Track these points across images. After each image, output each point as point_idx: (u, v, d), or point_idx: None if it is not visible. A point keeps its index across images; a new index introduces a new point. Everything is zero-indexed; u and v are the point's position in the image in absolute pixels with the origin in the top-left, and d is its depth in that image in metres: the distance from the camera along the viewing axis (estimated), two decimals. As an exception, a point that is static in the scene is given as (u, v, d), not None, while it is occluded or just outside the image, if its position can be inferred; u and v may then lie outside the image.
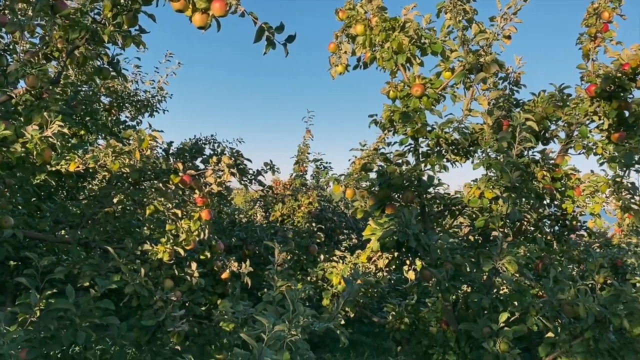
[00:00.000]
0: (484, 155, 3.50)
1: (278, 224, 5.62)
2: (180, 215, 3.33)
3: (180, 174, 3.32)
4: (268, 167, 4.28)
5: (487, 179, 3.39)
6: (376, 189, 3.54)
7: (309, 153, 6.96)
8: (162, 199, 3.33)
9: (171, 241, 3.28)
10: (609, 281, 3.99)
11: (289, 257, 4.76)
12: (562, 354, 3.03)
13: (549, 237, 4.30)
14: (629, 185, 3.53)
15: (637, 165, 3.40)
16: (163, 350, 3.24)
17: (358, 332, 10.34)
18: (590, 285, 3.09)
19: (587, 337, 2.92)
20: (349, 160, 3.98)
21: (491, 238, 4.10)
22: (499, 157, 3.29)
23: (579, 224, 4.36)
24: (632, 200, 3.52)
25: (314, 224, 5.12)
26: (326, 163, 6.61)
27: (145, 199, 3.43)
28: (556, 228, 4.39)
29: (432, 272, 3.06)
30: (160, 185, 3.32)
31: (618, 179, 3.52)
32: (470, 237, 4.43)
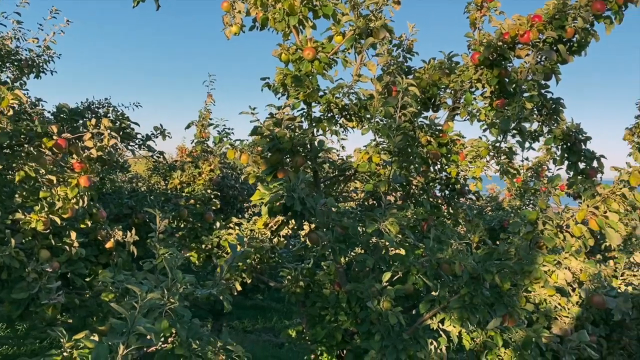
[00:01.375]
0: (373, 120, 3.55)
1: (176, 192, 5.44)
2: (55, 181, 3.11)
3: (55, 137, 3.09)
4: (158, 131, 4.10)
5: (375, 144, 3.46)
6: (268, 154, 3.50)
7: (210, 119, 6.74)
8: (34, 164, 3.09)
9: (46, 209, 3.07)
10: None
11: (182, 225, 4.64)
12: (440, 310, 3.20)
13: (439, 201, 4.50)
14: (507, 150, 3.73)
15: (514, 131, 3.60)
16: (40, 324, 3.06)
17: (269, 298, 10.46)
18: (467, 245, 3.26)
19: (463, 293, 3.09)
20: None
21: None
22: (386, 123, 3.35)
23: (467, 187, 4.59)
24: (510, 165, 3.74)
25: (209, 191, 5.01)
26: (229, 129, 6.43)
27: (14, 164, 3.16)
28: (446, 192, 4.60)
29: (319, 234, 3.09)
30: (32, 149, 3.07)
31: (497, 144, 3.71)
32: (367, 202, 4.54)
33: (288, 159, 3.48)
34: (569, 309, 3.59)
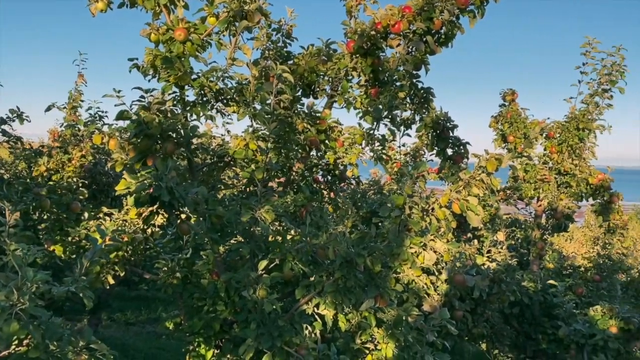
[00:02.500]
0: (250, 106, 3.48)
1: (41, 180, 5.00)
2: None
3: None
4: (15, 115, 3.71)
5: (252, 130, 3.39)
6: (137, 140, 3.31)
7: (82, 100, 6.27)
8: None
9: None
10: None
11: (45, 217, 4.28)
12: (316, 294, 3.24)
13: (321, 186, 4.55)
14: (380, 137, 3.85)
15: (386, 119, 3.71)
16: None
17: (154, 288, 10.06)
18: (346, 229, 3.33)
19: (337, 277, 3.15)
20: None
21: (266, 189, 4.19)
22: (262, 108, 3.30)
23: (347, 172, 4.70)
24: (383, 151, 3.86)
25: (75, 179, 4.66)
26: (103, 112, 6.04)
27: None
28: (328, 177, 4.66)
29: (190, 225, 2.99)
30: None
31: (371, 132, 3.81)
32: (248, 189, 4.47)
33: (159, 146, 3.31)
34: (437, 286, 3.79)
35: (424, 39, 3.68)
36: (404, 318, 3.39)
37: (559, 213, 5.81)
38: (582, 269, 6.44)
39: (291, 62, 4.19)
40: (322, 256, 3.20)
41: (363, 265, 3.17)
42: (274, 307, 3.10)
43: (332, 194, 4.63)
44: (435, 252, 3.27)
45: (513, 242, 6.69)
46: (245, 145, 3.40)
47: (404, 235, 3.17)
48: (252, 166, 3.44)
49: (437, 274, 3.39)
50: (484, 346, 6.65)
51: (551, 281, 5.11)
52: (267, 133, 3.20)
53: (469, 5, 3.66)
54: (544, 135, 6.02)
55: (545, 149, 6.07)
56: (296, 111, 3.67)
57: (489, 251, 5.62)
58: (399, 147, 6.33)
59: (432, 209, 3.25)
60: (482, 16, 3.72)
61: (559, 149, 5.90)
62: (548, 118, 6.15)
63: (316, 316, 3.29)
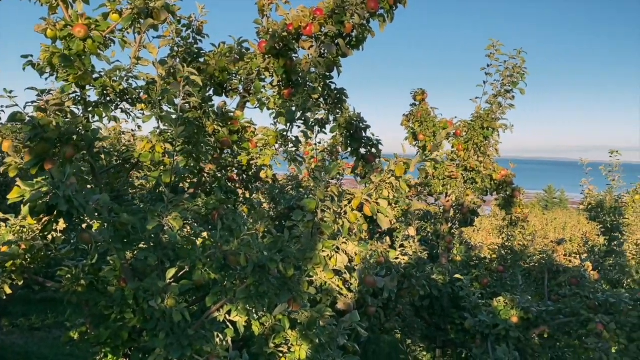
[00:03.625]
0: (157, 107, 3.34)
1: None
2: None
3: None
4: None
5: (159, 132, 3.27)
6: (34, 144, 3.08)
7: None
8: None
9: None
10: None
11: None
12: (227, 301, 3.19)
13: (236, 185, 4.47)
14: (294, 138, 3.84)
15: (299, 121, 3.71)
16: None
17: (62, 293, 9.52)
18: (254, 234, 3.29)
19: (249, 283, 3.11)
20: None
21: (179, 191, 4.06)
22: (169, 110, 3.18)
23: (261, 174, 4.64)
24: (297, 153, 3.86)
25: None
26: (-2, 106, 5.58)
27: None
28: (243, 176, 4.59)
29: (91, 234, 2.83)
30: None
31: (285, 133, 3.80)
32: (158, 191, 4.31)
33: (57, 149, 3.10)
34: (351, 284, 3.84)
35: (336, 42, 3.70)
36: (317, 319, 3.43)
37: (465, 208, 6.11)
38: (488, 260, 6.82)
39: (202, 60, 4.07)
40: (234, 262, 3.15)
41: (276, 270, 3.16)
42: (183, 316, 3.01)
43: (247, 193, 4.57)
44: (347, 254, 3.32)
45: (425, 235, 6.95)
46: (151, 148, 3.26)
47: (316, 239, 3.19)
48: (160, 169, 3.32)
49: (349, 274, 3.44)
50: (398, 336, 6.89)
51: (457, 275, 5.36)
52: (175, 135, 3.09)
53: (379, 10, 3.71)
54: (451, 133, 6.27)
55: (453, 147, 6.34)
56: (206, 112, 3.57)
57: (401, 245, 5.81)
58: (315, 144, 6.38)
59: (345, 212, 3.29)
60: (392, 20, 3.80)
61: (465, 147, 6.18)
62: (455, 117, 6.43)
63: (228, 323, 3.24)
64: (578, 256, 8.97)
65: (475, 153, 6.24)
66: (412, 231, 5.76)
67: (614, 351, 4.36)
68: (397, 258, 5.43)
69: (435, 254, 6.56)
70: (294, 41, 3.68)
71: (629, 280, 8.89)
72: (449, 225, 6.28)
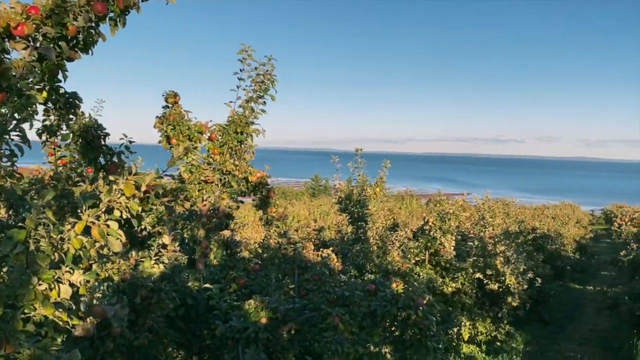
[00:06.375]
0: None
1: None
2: None
3: None
4: None
5: None
6: None
7: None
8: None
9: None
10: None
11: None
12: None
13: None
14: (6, 152, 3.32)
15: (13, 134, 3.21)
16: None
17: None
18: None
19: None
20: None
21: None
22: None
23: None
24: (13, 169, 3.35)
25: None
26: None
27: None
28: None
29: None
30: None
31: (-5, 146, 3.25)
32: None
33: None
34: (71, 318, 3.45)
35: (58, 44, 3.30)
36: (40, 356, 3.04)
37: (220, 212, 6.13)
38: (247, 259, 6.98)
39: None
40: None
41: None
42: None
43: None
44: (71, 284, 3.00)
45: (182, 239, 6.79)
46: None
47: (30, 272, 2.81)
48: None
49: (74, 307, 3.11)
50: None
51: (206, 285, 5.37)
52: None
53: (109, 13, 3.42)
54: (206, 137, 6.23)
55: (208, 151, 6.29)
56: None
57: (157, 253, 5.58)
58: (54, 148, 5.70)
59: (68, 238, 2.96)
60: (124, 25, 3.54)
61: (221, 151, 6.19)
62: (210, 120, 6.38)
63: None
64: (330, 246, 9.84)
65: (231, 157, 6.29)
66: (166, 239, 5.56)
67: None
68: (153, 267, 5.23)
69: (193, 258, 6.48)
70: (3, 41, 3.16)
71: (371, 265, 10.08)
72: (205, 230, 6.24)
